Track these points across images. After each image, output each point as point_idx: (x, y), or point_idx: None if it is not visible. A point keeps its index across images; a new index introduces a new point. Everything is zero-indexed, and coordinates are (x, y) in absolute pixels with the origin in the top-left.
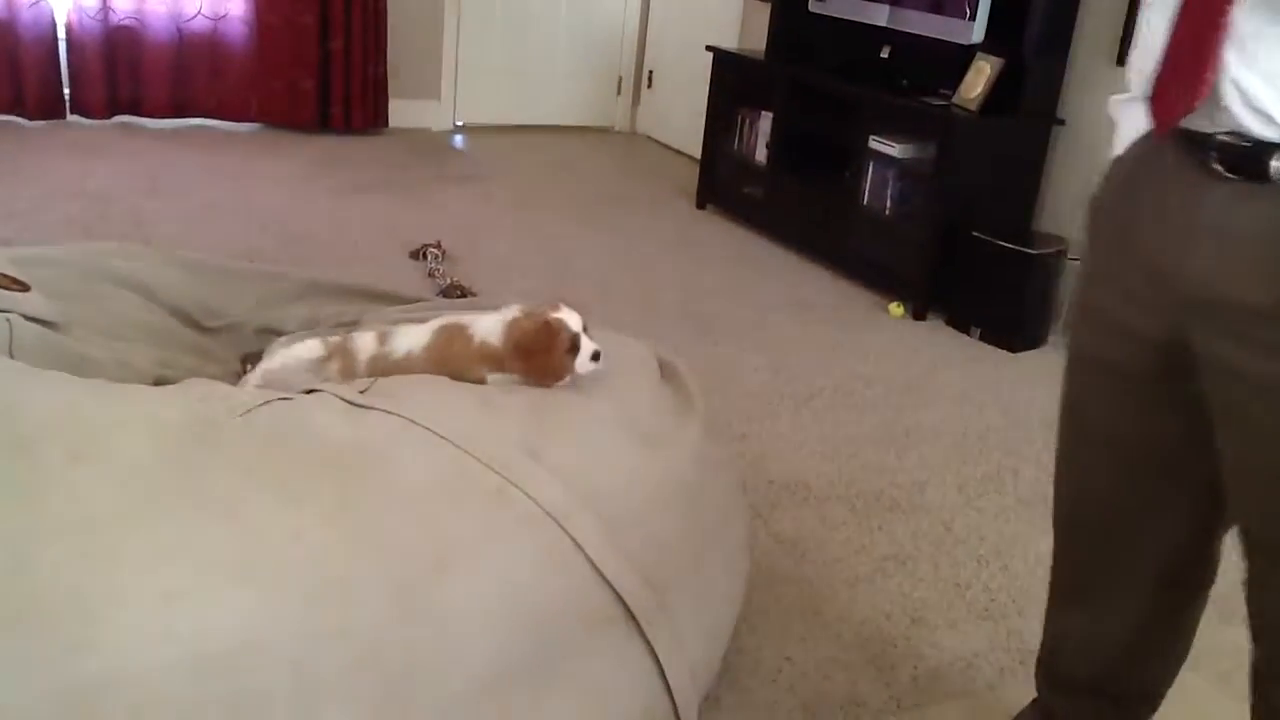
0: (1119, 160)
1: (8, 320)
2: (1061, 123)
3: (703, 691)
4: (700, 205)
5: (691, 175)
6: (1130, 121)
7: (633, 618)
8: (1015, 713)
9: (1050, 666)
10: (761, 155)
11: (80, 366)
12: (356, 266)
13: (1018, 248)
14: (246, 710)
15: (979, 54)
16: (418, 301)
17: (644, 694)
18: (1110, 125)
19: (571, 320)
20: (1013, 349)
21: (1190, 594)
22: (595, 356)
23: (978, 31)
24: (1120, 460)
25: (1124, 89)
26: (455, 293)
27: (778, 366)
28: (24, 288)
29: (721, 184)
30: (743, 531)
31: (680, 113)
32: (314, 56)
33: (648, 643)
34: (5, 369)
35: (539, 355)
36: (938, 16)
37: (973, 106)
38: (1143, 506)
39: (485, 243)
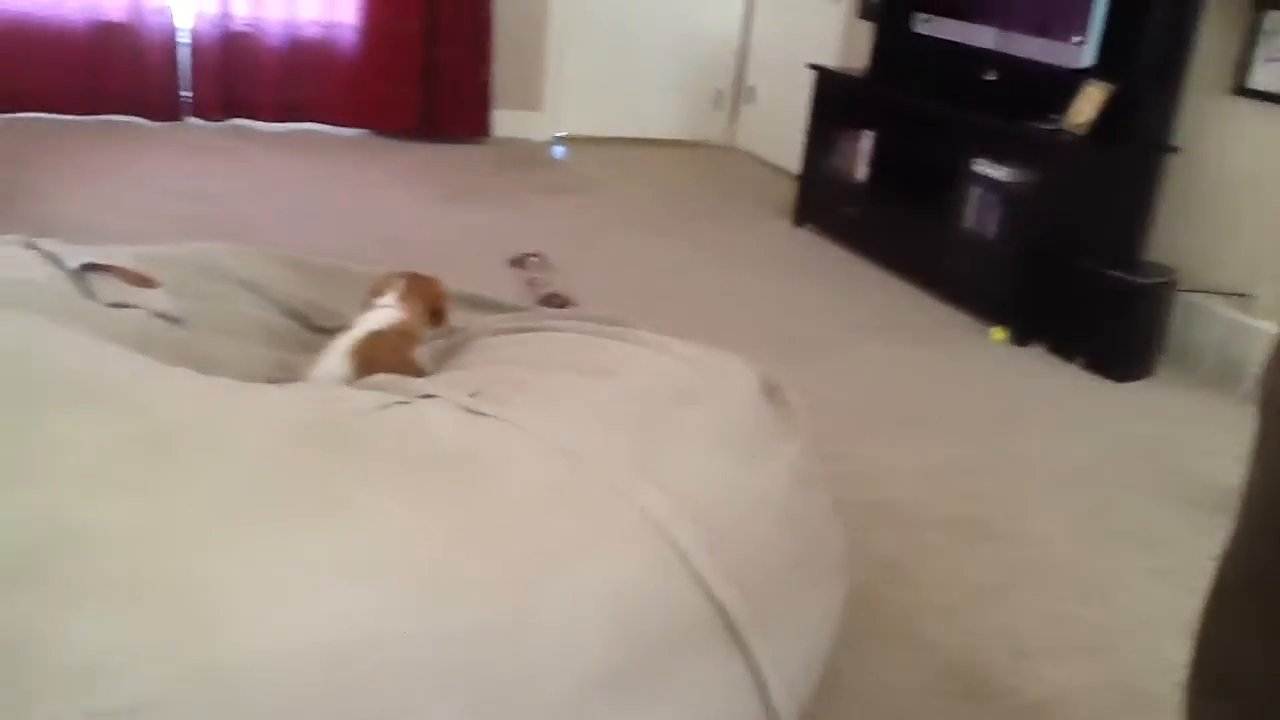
0: None
1: (138, 316)
2: (1175, 150)
3: (800, 711)
4: (798, 223)
5: (790, 192)
6: None
7: (736, 633)
8: None
9: None
10: (862, 174)
11: (204, 364)
12: (456, 272)
13: (1124, 276)
14: (368, 702)
15: (1089, 79)
16: (518, 310)
17: (743, 710)
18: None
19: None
20: (1118, 380)
21: None
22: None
23: (1088, 55)
24: None
25: None
26: (555, 301)
27: (873, 387)
28: (153, 285)
29: (820, 202)
30: (840, 552)
31: (780, 129)
32: (419, 64)
33: (749, 658)
34: (141, 366)
35: (425, 298)
36: (1046, 40)
37: (1081, 132)
38: None
39: (582, 254)
